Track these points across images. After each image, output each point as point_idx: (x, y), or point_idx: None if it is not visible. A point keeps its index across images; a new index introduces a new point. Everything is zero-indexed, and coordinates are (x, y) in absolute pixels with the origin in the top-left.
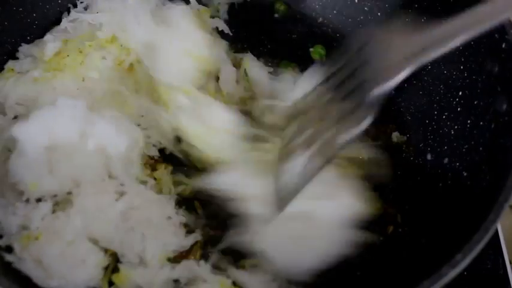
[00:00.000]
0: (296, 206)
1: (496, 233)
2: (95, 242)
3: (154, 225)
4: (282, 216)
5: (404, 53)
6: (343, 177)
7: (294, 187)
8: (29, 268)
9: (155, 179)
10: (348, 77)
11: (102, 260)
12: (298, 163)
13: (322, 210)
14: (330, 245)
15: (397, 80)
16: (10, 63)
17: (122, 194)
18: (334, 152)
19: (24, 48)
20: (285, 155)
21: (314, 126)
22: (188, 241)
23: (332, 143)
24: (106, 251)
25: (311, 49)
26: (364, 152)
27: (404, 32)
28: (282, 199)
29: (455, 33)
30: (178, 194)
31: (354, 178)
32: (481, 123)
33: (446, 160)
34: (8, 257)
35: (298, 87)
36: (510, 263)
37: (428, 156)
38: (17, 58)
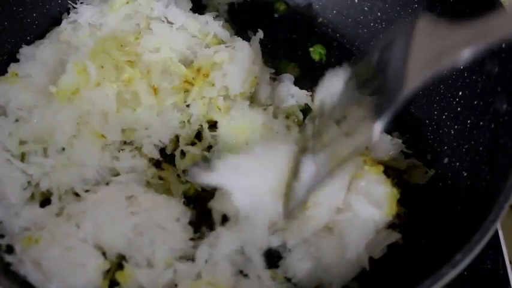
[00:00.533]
0: (320, 219)
1: (496, 233)
2: (100, 247)
3: (163, 229)
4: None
5: (425, 59)
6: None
7: (303, 193)
8: (27, 271)
9: (161, 178)
10: (369, 79)
11: (102, 264)
12: (307, 169)
13: (346, 221)
14: (355, 251)
15: (412, 90)
16: (13, 66)
17: (130, 197)
18: (343, 159)
19: (25, 50)
20: (298, 158)
21: (329, 129)
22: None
23: (342, 150)
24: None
25: (311, 49)
26: (401, 161)
27: (426, 34)
28: (292, 207)
29: (474, 39)
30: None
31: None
32: (481, 123)
33: (446, 160)
34: (8, 258)
35: (323, 87)
36: (510, 263)
37: (428, 156)
38: (17, 60)
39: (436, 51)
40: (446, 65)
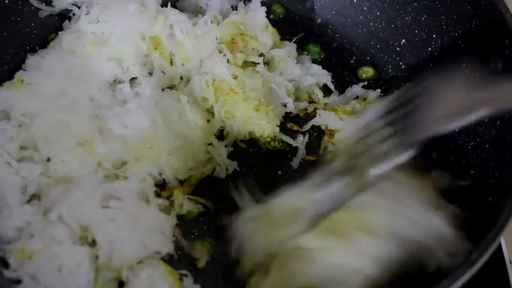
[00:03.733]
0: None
1: None
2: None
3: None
4: None
5: (455, 108)
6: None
7: (326, 209)
8: (26, 286)
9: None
10: (397, 119)
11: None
12: (332, 189)
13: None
14: None
15: (441, 132)
16: (20, 73)
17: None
18: (366, 184)
19: (31, 60)
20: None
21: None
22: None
23: (365, 175)
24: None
25: (304, 52)
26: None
27: (461, 86)
28: (314, 218)
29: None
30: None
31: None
32: (487, 120)
33: (452, 158)
34: (6, 273)
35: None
36: (510, 262)
37: (434, 155)
38: (19, 69)
39: (460, 106)
40: (465, 120)
